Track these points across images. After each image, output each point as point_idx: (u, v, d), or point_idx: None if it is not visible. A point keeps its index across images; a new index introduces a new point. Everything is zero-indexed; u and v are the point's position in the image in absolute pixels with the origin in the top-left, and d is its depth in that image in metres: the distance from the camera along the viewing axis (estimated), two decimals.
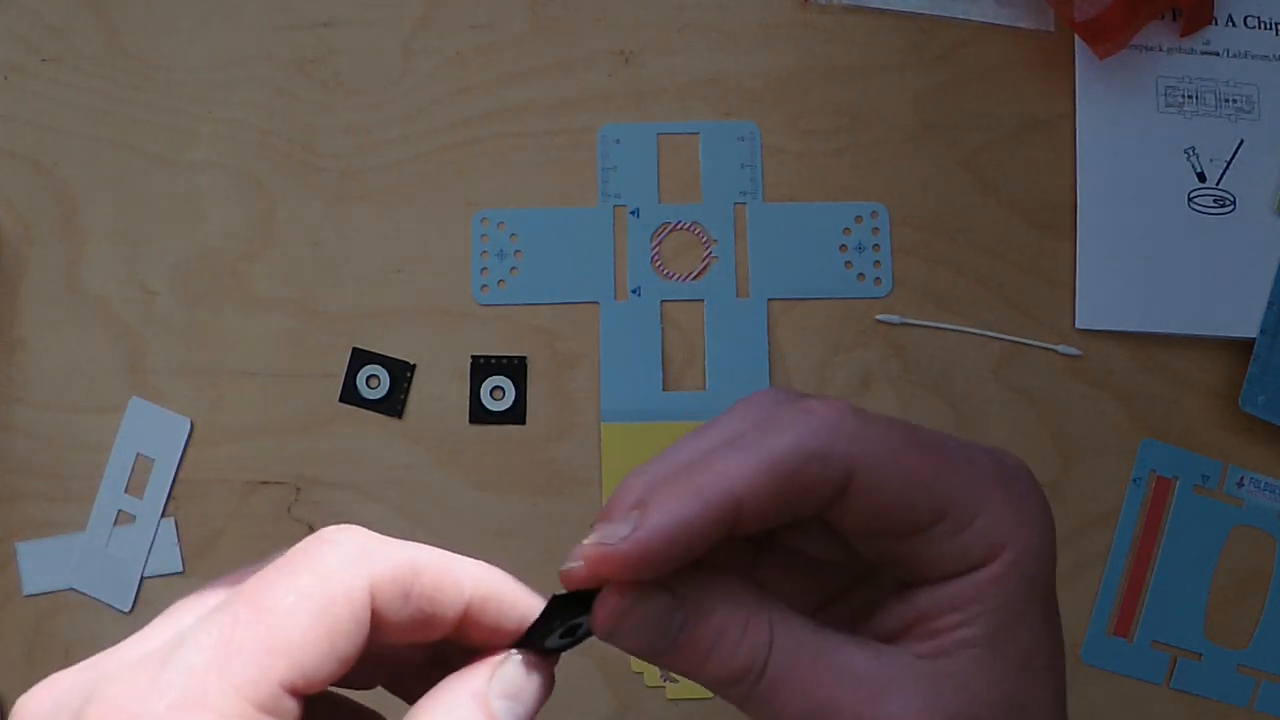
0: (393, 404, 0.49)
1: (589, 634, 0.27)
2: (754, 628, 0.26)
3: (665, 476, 0.26)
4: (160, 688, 0.21)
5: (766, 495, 0.25)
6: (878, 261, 0.50)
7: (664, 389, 0.49)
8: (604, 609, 0.26)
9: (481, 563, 0.26)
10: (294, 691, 0.22)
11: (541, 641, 0.26)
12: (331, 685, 0.23)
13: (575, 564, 0.25)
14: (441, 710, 0.24)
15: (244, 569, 0.26)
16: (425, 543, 0.25)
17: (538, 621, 0.26)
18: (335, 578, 0.23)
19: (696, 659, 0.26)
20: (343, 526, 0.24)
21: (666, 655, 0.26)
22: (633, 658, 0.48)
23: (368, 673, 0.27)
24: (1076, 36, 0.50)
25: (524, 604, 0.26)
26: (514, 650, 0.26)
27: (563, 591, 0.26)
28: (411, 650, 0.27)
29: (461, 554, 0.26)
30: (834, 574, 0.29)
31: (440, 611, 0.25)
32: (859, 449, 0.25)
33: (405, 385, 0.50)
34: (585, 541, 0.25)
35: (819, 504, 0.25)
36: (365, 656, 0.24)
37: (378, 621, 0.24)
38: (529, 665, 0.26)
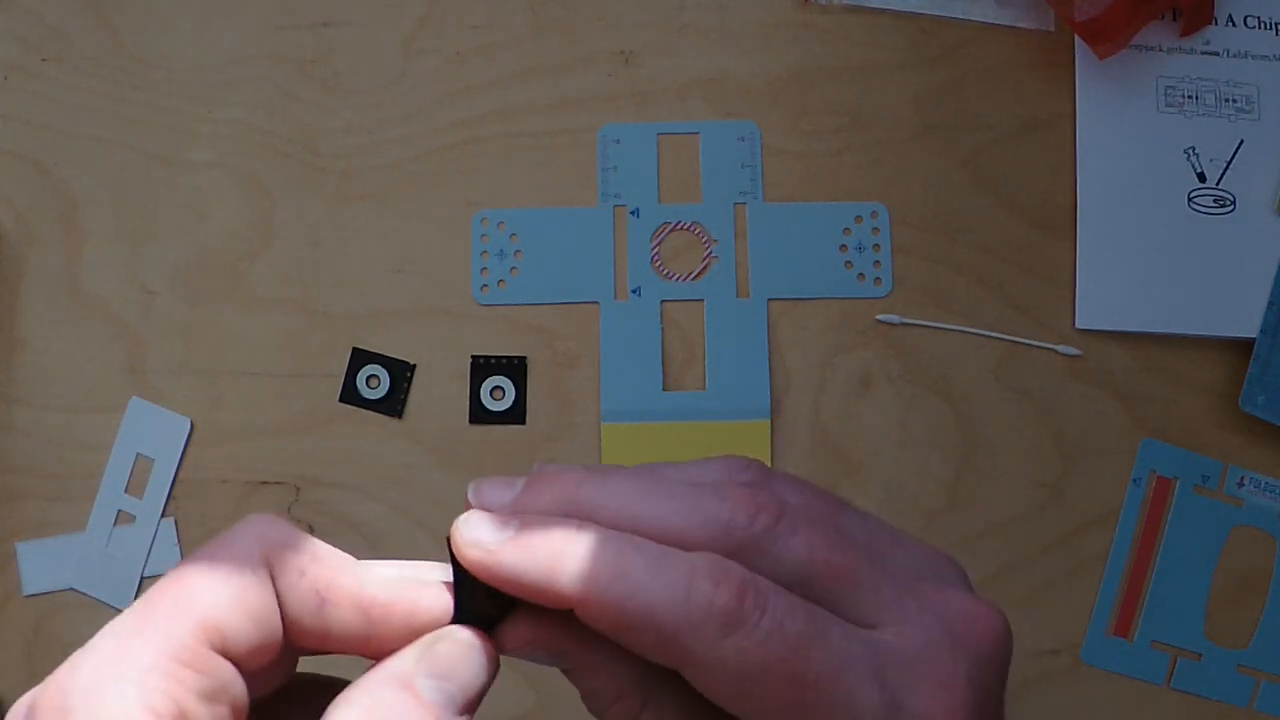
0: (393, 404, 0.49)
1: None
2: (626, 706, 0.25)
3: (564, 505, 0.25)
4: (86, 657, 0.23)
5: (601, 621, 0.24)
6: (878, 261, 0.50)
7: (664, 389, 0.49)
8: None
9: (395, 563, 0.25)
10: (217, 648, 0.23)
11: (476, 615, 0.25)
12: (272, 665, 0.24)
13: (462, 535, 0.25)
14: (362, 694, 0.23)
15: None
16: (426, 542, 0.25)
17: (459, 590, 0.25)
18: (235, 543, 0.24)
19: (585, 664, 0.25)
20: (259, 514, 0.25)
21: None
22: None
23: None
24: (1076, 36, 0.50)
25: (442, 603, 0.25)
26: (450, 626, 0.25)
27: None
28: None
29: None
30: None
31: (335, 598, 0.24)
32: (702, 658, 0.24)
33: (405, 385, 0.50)
34: (470, 507, 0.25)
35: (647, 656, 0.24)
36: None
37: (281, 601, 0.24)
38: (464, 642, 0.24)
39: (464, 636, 0.25)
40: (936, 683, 0.24)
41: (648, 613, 0.23)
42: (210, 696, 0.23)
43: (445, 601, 0.25)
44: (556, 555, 0.24)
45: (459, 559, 0.25)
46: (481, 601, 0.25)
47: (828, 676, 0.24)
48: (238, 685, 0.23)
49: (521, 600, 0.25)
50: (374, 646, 0.25)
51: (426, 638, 0.24)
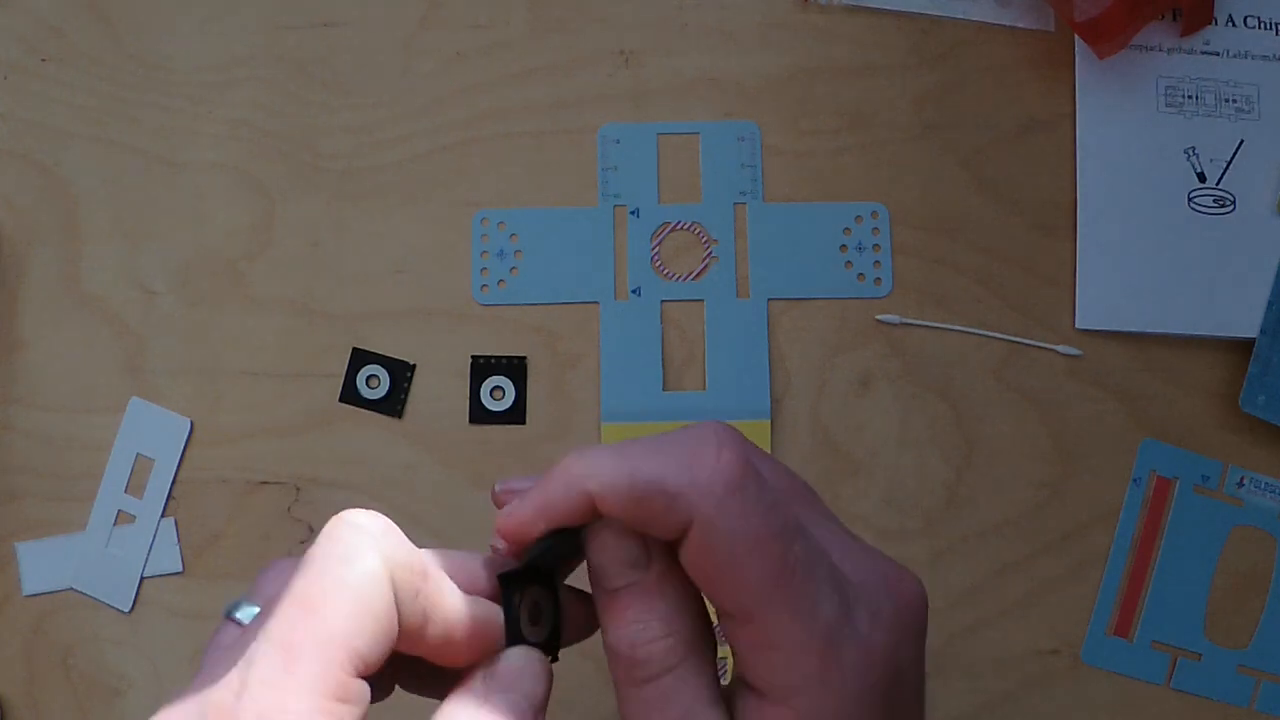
0: (393, 404, 0.49)
1: (555, 611, 0.29)
2: (676, 636, 0.28)
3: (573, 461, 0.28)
4: (243, 707, 0.23)
5: (618, 503, 0.27)
6: (878, 261, 0.50)
7: (664, 389, 0.49)
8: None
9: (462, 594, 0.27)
10: (358, 673, 0.24)
11: (521, 635, 0.28)
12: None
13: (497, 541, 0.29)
14: (457, 709, 0.26)
15: (273, 567, 0.30)
16: (426, 542, 0.26)
17: (505, 611, 0.28)
18: (358, 558, 0.25)
19: (622, 616, 0.28)
20: (363, 512, 0.26)
21: (611, 597, 0.28)
22: None
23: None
24: (1076, 36, 0.50)
25: (491, 627, 0.28)
26: (506, 650, 0.28)
27: (505, 570, 0.29)
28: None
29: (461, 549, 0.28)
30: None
31: (435, 619, 0.26)
32: (708, 512, 0.26)
33: (405, 385, 0.50)
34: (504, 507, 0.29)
35: (664, 533, 0.27)
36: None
37: (398, 609, 0.26)
38: (517, 658, 0.28)
39: (518, 652, 0.28)
40: (874, 612, 0.27)
41: (658, 479, 0.26)
42: None
43: (500, 620, 0.28)
44: (574, 476, 0.27)
45: (503, 538, 0.28)
46: (515, 605, 0.28)
47: (804, 567, 0.27)
48: (368, 698, 0.25)
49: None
50: (446, 657, 0.27)
51: (487, 661, 0.28)
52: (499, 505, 0.29)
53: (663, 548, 0.28)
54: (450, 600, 0.27)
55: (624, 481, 0.27)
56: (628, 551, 0.28)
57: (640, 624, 0.28)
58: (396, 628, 0.25)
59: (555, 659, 0.30)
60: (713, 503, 0.26)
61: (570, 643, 0.30)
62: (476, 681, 0.27)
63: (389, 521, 0.26)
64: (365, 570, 0.25)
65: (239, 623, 0.30)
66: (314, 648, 0.24)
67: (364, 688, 0.25)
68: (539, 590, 0.29)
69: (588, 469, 0.27)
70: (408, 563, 0.26)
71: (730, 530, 0.26)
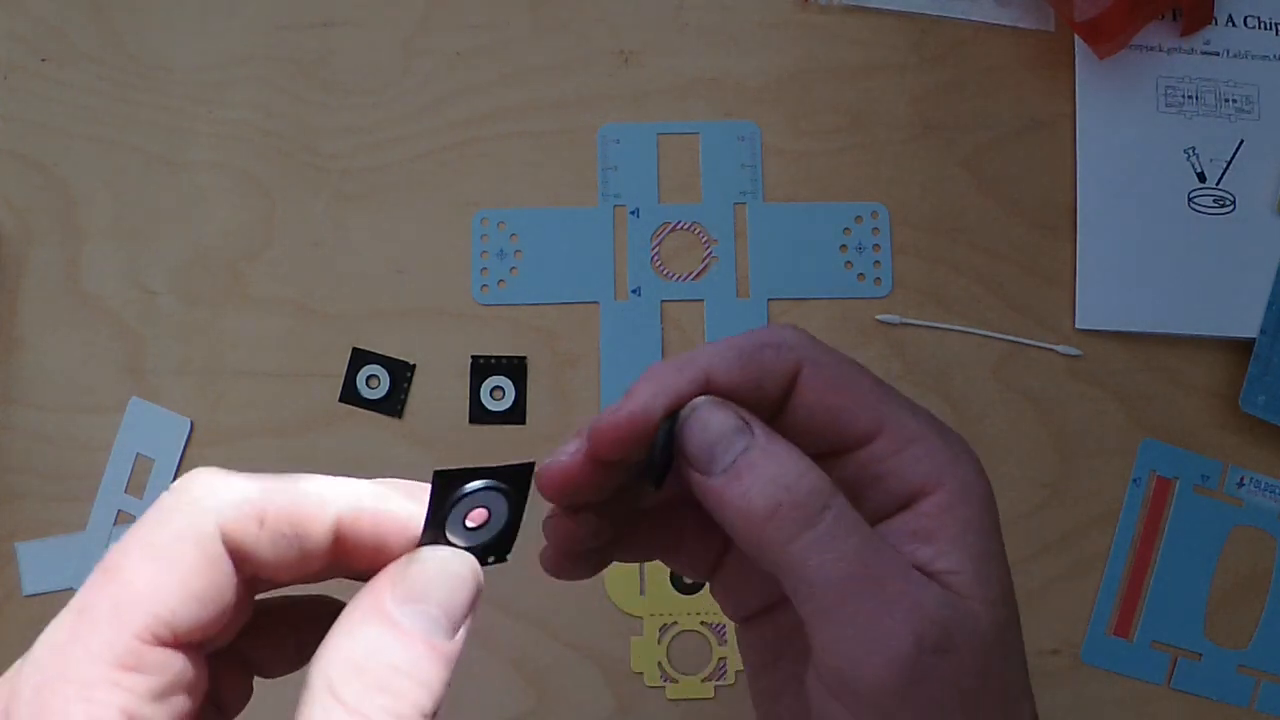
0: (393, 404, 0.49)
1: (513, 512, 0.26)
2: (816, 469, 0.27)
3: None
4: (26, 673, 0.22)
5: (731, 368, 0.28)
6: (878, 261, 0.50)
7: None
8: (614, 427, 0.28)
9: (357, 480, 0.25)
10: (163, 641, 0.22)
11: (445, 534, 0.25)
12: (235, 623, 0.24)
13: (567, 448, 0.29)
14: (344, 638, 0.23)
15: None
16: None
17: (432, 509, 0.24)
18: (176, 521, 0.23)
19: (756, 478, 0.27)
20: (194, 471, 0.24)
21: (720, 475, 0.27)
22: (633, 659, 0.48)
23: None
24: (1076, 36, 0.50)
25: (408, 511, 0.25)
26: (419, 549, 0.24)
27: (444, 468, 0.25)
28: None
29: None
30: None
31: (306, 532, 0.24)
32: (810, 353, 0.29)
33: (405, 385, 0.50)
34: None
35: (775, 387, 0.29)
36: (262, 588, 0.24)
37: (243, 554, 0.23)
38: (435, 561, 0.24)
39: (433, 555, 0.24)
40: (955, 537, 0.28)
41: (759, 341, 0.29)
42: (161, 694, 0.22)
43: (410, 512, 0.24)
44: (683, 359, 0.29)
45: (601, 437, 0.28)
46: (449, 508, 0.25)
47: (892, 390, 0.30)
48: (190, 671, 0.23)
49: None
50: (350, 568, 0.25)
51: (397, 563, 0.24)
52: (598, 432, 0.28)
53: (757, 421, 0.28)
54: (327, 503, 0.24)
55: (733, 350, 0.29)
56: (730, 419, 0.28)
57: (778, 474, 0.27)
58: (223, 576, 0.23)
59: (494, 561, 0.26)
60: (812, 343, 0.29)
61: (638, 559, 0.33)
62: (380, 585, 0.24)
63: (217, 471, 0.24)
64: (172, 531, 0.23)
65: None
66: (109, 612, 0.22)
67: (167, 657, 0.22)
68: (492, 496, 0.25)
69: (693, 353, 0.29)
70: (236, 500, 0.23)
71: (836, 359, 0.29)
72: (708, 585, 0.34)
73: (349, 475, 0.43)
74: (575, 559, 0.31)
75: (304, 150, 0.51)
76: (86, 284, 0.50)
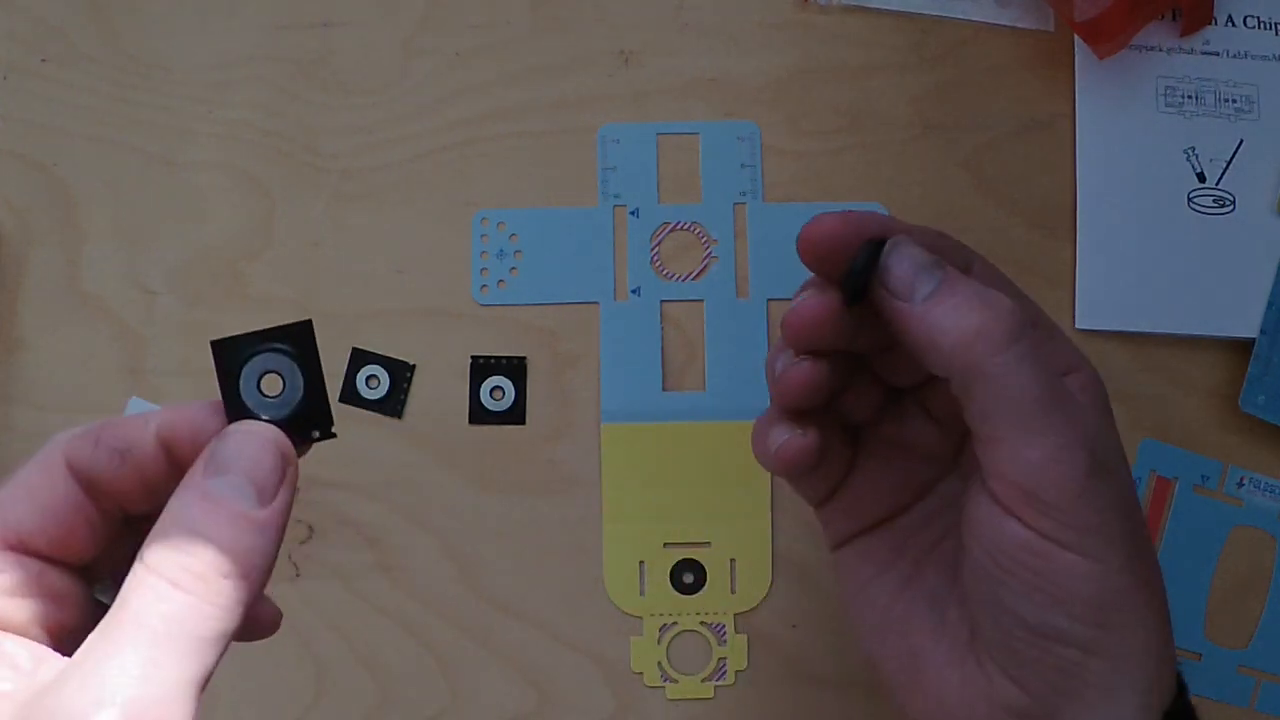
0: (393, 404, 0.49)
1: (308, 372, 0.27)
2: (1009, 297, 0.31)
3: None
4: None
5: (921, 238, 0.33)
6: None
7: (664, 389, 0.49)
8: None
9: (171, 409, 0.28)
10: (11, 545, 0.26)
11: (247, 409, 0.27)
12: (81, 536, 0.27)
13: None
14: (165, 515, 0.25)
15: None
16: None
17: (220, 380, 0.27)
18: (35, 456, 0.28)
19: (954, 305, 0.30)
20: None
21: (925, 301, 0.31)
22: (633, 659, 0.48)
23: None
24: (1076, 36, 0.50)
25: (217, 419, 0.28)
26: (227, 426, 0.27)
27: (218, 337, 0.28)
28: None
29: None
30: (925, 468, 0.36)
31: (133, 443, 0.27)
32: (977, 257, 0.35)
33: (405, 385, 0.50)
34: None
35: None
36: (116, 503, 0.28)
37: (84, 471, 0.27)
38: (237, 434, 0.26)
39: (236, 428, 0.27)
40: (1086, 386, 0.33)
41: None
42: (13, 591, 0.26)
43: (217, 408, 0.27)
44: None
45: (818, 241, 0.33)
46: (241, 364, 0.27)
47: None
48: (50, 574, 0.27)
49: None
50: (152, 475, 0.28)
51: (209, 444, 0.26)
52: (813, 230, 0.33)
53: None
54: (150, 420, 0.27)
55: (918, 228, 0.33)
56: (929, 255, 0.31)
57: (981, 296, 0.30)
58: (64, 496, 0.27)
59: (319, 437, 0.27)
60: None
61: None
62: (197, 467, 0.26)
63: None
64: (30, 463, 0.28)
65: None
66: None
67: (26, 563, 0.26)
68: (279, 360, 0.27)
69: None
70: (77, 434, 0.28)
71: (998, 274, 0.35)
72: (815, 511, 0.37)
73: (349, 476, 0.43)
74: (803, 421, 0.34)
75: (304, 150, 0.51)
76: (86, 284, 0.50)
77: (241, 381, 0.26)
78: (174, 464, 0.27)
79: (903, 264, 0.31)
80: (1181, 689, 0.33)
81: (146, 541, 0.25)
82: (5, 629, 0.25)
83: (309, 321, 0.28)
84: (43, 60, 0.52)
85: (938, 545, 0.36)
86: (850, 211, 0.33)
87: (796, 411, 0.34)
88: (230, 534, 0.25)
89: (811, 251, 0.33)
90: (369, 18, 0.52)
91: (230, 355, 0.27)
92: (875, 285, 0.32)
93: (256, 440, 0.26)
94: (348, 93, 0.51)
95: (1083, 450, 0.30)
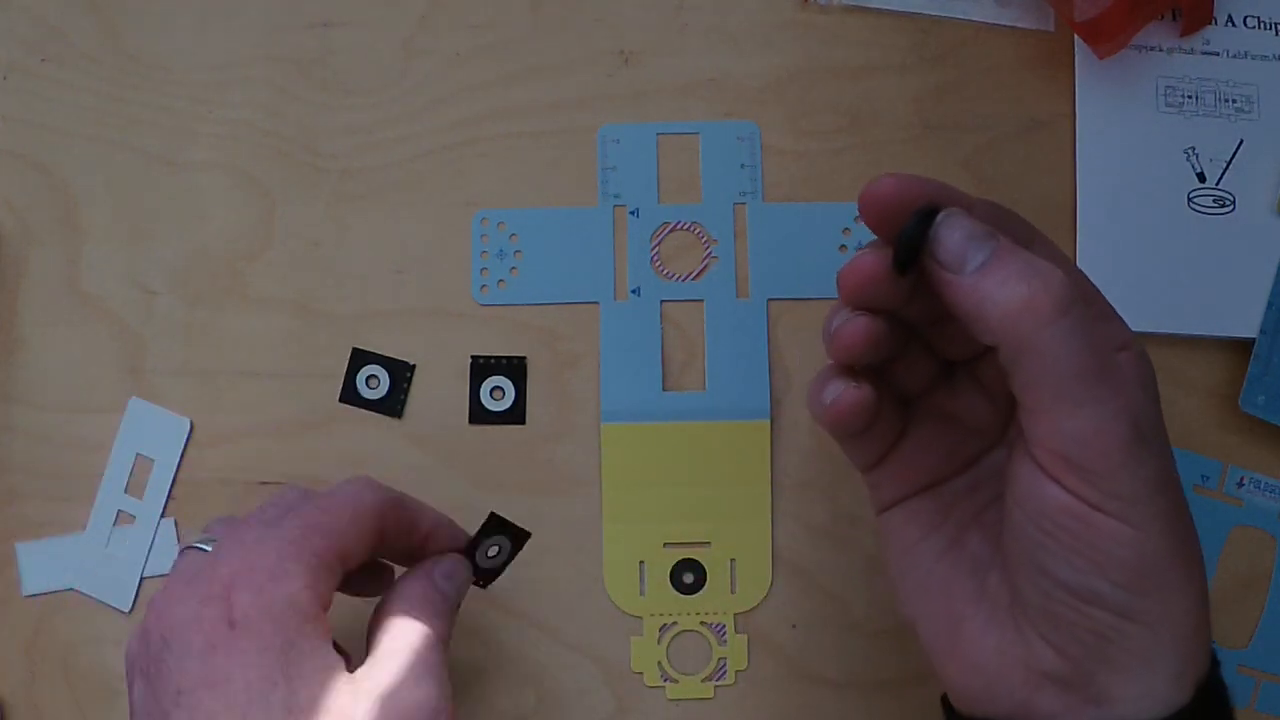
0: (393, 404, 0.49)
1: (509, 557, 0.42)
2: (1060, 269, 0.31)
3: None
4: (269, 546, 0.35)
5: (977, 211, 0.34)
6: None
7: (664, 389, 0.49)
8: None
9: (441, 514, 0.41)
10: (340, 561, 0.36)
11: (472, 556, 0.41)
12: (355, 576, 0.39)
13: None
14: (402, 584, 0.39)
15: (291, 491, 0.40)
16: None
17: (474, 538, 0.41)
18: (362, 496, 0.38)
19: (1006, 275, 0.30)
20: (359, 476, 0.39)
21: (976, 272, 0.31)
22: (633, 659, 0.48)
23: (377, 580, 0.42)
24: (1076, 36, 0.50)
25: (461, 540, 0.41)
26: (455, 554, 0.41)
27: (499, 513, 0.40)
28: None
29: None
30: (974, 440, 0.36)
31: (410, 529, 0.40)
32: (1038, 234, 0.36)
33: (405, 385, 0.50)
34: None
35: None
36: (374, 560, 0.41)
37: (380, 527, 0.38)
38: (460, 561, 0.40)
39: (461, 559, 0.40)
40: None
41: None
42: (327, 586, 0.36)
43: (458, 538, 0.41)
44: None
45: (879, 200, 0.33)
46: (485, 540, 0.41)
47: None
48: (339, 575, 0.37)
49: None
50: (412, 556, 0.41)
51: (441, 556, 0.40)
52: (872, 192, 0.33)
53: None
54: (425, 511, 0.41)
55: (980, 199, 0.34)
56: (980, 226, 0.31)
57: (1031, 267, 0.30)
58: (373, 539, 0.38)
59: (482, 585, 0.43)
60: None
61: None
62: (425, 564, 0.39)
63: (371, 478, 0.39)
64: (353, 504, 0.38)
65: (202, 550, 0.37)
66: (322, 535, 0.36)
67: (340, 570, 0.37)
68: (503, 541, 0.41)
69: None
70: (388, 498, 0.39)
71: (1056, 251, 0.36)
72: (863, 475, 0.38)
73: (349, 475, 0.44)
74: (855, 375, 0.35)
75: (304, 150, 0.51)
76: (86, 284, 0.50)
77: (482, 540, 0.41)
78: (422, 545, 0.41)
79: (953, 235, 0.31)
80: (1215, 663, 0.33)
81: (399, 598, 0.38)
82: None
83: (529, 534, 0.42)
84: (43, 60, 0.52)
85: (983, 512, 0.36)
86: (908, 175, 0.33)
87: (851, 370, 0.35)
88: (442, 609, 0.39)
89: (870, 210, 0.33)
90: (369, 18, 0.52)
91: (487, 528, 0.40)
92: (925, 256, 0.32)
93: (467, 575, 0.41)
94: (348, 93, 0.51)
95: (1126, 421, 0.30)
